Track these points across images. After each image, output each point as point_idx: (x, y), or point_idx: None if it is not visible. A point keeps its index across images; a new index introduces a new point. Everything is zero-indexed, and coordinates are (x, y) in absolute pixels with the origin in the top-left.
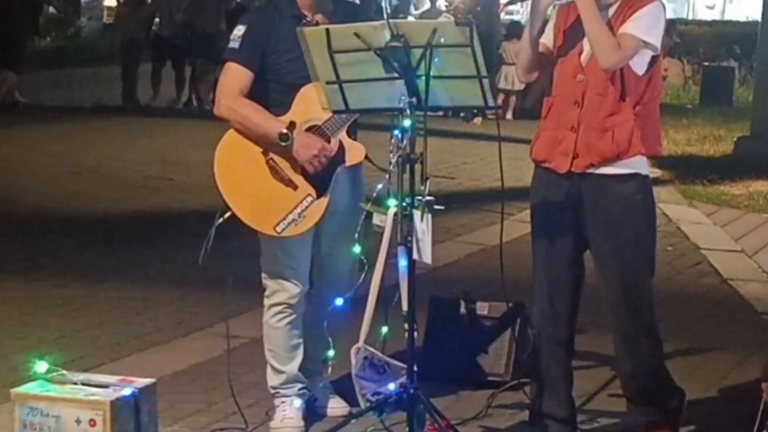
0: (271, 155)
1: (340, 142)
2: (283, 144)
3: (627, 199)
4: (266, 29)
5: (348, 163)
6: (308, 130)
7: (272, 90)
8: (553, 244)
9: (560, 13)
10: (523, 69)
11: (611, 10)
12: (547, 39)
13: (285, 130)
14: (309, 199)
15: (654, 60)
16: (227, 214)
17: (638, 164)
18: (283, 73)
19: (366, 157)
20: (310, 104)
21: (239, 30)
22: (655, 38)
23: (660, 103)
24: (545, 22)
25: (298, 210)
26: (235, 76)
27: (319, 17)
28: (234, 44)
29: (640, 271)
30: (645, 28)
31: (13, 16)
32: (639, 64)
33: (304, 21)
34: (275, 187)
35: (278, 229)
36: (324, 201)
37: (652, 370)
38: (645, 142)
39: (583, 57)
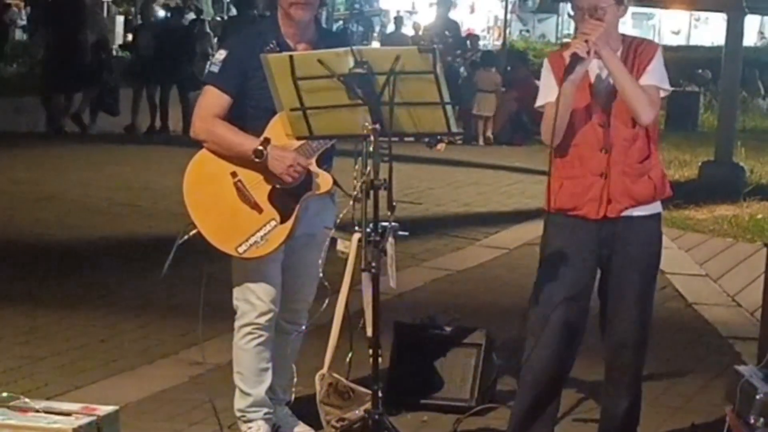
0: (239, 177)
1: (309, 171)
2: (258, 160)
3: (656, 238)
4: (247, 55)
5: (315, 192)
6: None
7: (250, 115)
8: (570, 288)
9: (554, 63)
10: (559, 132)
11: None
12: (554, 95)
13: (260, 147)
14: (272, 223)
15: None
16: (193, 231)
17: (659, 204)
18: (261, 99)
19: (335, 183)
20: (282, 131)
21: (221, 54)
22: (667, 82)
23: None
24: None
25: (261, 233)
26: (212, 100)
27: (301, 46)
28: (214, 68)
29: (652, 306)
30: (660, 77)
31: None
32: None
33: (269, 48)
34: (240, 208)
35: (240, 249)
36: (288, 226)
37: (638, 405)
38: (667, 182)
39: (603, 103)
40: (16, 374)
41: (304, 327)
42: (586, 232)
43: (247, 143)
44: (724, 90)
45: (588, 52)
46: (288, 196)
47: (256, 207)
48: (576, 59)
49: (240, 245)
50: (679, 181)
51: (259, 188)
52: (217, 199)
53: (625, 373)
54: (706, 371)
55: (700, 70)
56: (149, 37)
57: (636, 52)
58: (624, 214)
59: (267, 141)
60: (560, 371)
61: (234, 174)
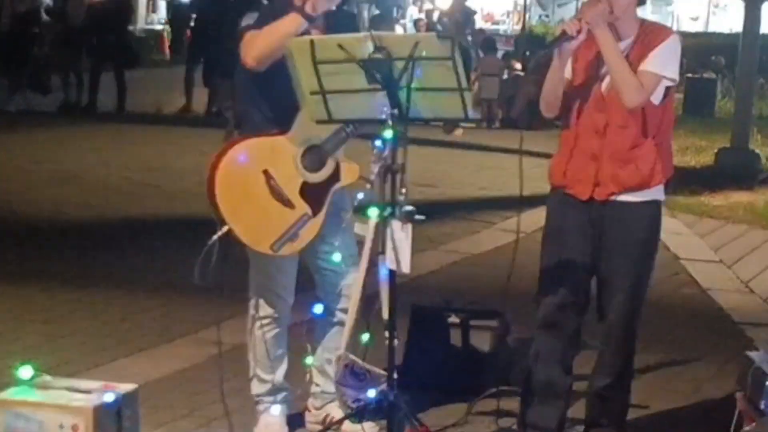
0: (272, 175)
1: (336, 162)
2: (311, 21)
3: (648, 224)
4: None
5: (343, 183)
6: (307, 150)
7: (274, 105)
8: (567, 265)
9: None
10: (549, 106)
11: (627, 43)
12: (567, 72)
13: (304, 12)
14: (305, 218)
15: (668, 89)
16: (223, 230)
17: (657, 191)
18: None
19: (361, 177)
20: (309, 124)
21: (250, 17)
22: (672, 71)
23: (672, 126)
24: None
25: (295, 229)
26: (250, 39)
27: (313, 30)
28: (248, 20)
29: (645, 291)
30: (662, 64)
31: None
32: (655, 95)
33: None
34: (273, 206)
35: (275, 247)
36: (319, 219)
37: (626, 386)
38: (664, 170)
39: (603, 89)
40: (36, 352)
41: (321, 307)
42: (577, 211)
43: (289, 17)
44: (741, 76)
45: (578, 31)
46: (318, 188)
47: (288, 203)
48: (564, 37)
49: (275, 243)
50: (695, 168)
51: (291, 183)
52: (250, 199)
53: (612, 353)
54: (719, 357)
55: (713, 57)
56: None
57: (648, 36)
58: (613, 198)
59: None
60: (560, 348)
61: (266, 172)
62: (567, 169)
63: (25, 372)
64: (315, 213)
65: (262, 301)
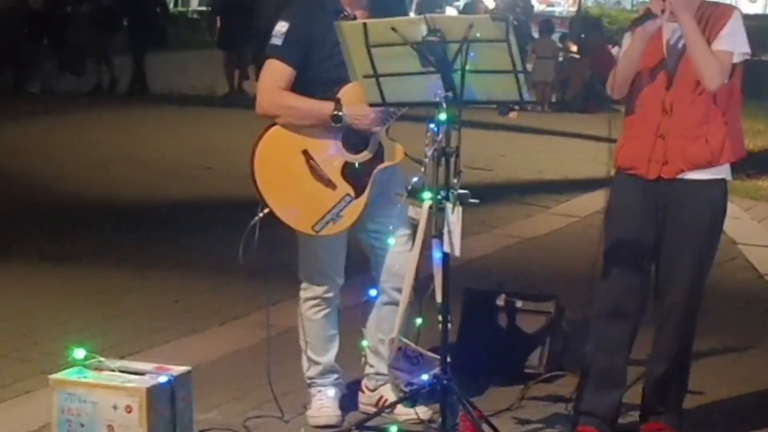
0: (311, 155)
1: (379, 143)
2: (337, 125)
3: (715, 204)
4: (308, 25)
5: (386, 163)
6: (348, 130)
7: (313, 86)
8: (630, 247)
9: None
10: (620, 87)
11: None
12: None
13: (336, 112)
14: (347, 198)
15: (734, 66)
16: (265, 211)
17: (725, 170)
18: (323, 69)
19: (405, 155)
20: (352, 99)
21: (282, 26)
22: (744, 44)
23: (740, 106)
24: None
25: (336, 210)
26: (276, 73)
27: (359, 12)
28: (276, 41)
29: (707, 275)
30: (733, 41)
31: None
32: None
33: (343, 15)
34: (314, 186)
35: (316, 228)
36: (362, 200)
37: (684, 374)
38: (734, 149)
39: (670, 69)
40: (90, 333)
41: (375, 291)
42: (643, 192)
43: (322, 108)
44: None
45: (662, 11)
46: (361, 169)
47: (330, 184)
48: (648, 14)
49: (316, 224)
50: (753, 151)
51: (332, 164)
52: (291, 180)
53: (670, 338)
54: None
55: None
56: None
57: (711, 16)
58: (680, 176)
59: (339, 102)
60: (621, 331)
61: (305, 152)
62: (634, 151)
63: (79, 353)
64: (357, 194)
65: (311, 282)
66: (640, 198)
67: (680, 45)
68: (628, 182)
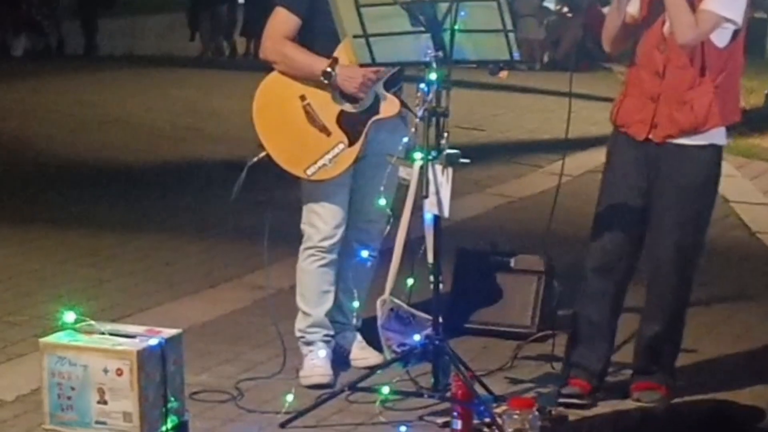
0: (308, 100)
1: (375, 94)
2: (326, 81)
3: (705, 168)
4: None
5: (381, 115)
6: None
7: (319, 37)
8: (622, 202)
9: None
10: (610, 40)
11: None
12: (634, 8)
13: (328, 68)
14: (341, 146)
15: (736, 33)
16: (262, 154)
17: (716, 135)
18: (330, 20)
19: (403, 105)
20: (348, 54)
21: None
22: (735, 13)
23: (742, 71)
24: None
25: (330, 155)
26: (282, 21)
27: None
28: None
29: (700, 238)
30: (722, 4)
31: None
32: (720, 38)
33: None
34: (309, 131)
35: (308, 171)
36: (355, 149)
37: (676, 334)
38: (723, 114)
39: (665, 29)
40: (81, 296)
41: (376, 253)
42: (635, 150)
43: (317, 64)
44: None
45: None
46: (356, 119)
47: (324, 130)
48: None
49: (309, 167)
50: (745, 109)
51: (328, 111)
52: (286, 123)
53: (661, 297)
54: (767, 300)
55: None
56: None
57: None
58: (671, 141)
59: (335, 61)
60: (611, 286)
61: (303, 97)
62: (628, 110)
63: (70, 316)
64: (351, 143)
65: (308, 231)
66: (633, 156)
67: None
68: (622, 140)
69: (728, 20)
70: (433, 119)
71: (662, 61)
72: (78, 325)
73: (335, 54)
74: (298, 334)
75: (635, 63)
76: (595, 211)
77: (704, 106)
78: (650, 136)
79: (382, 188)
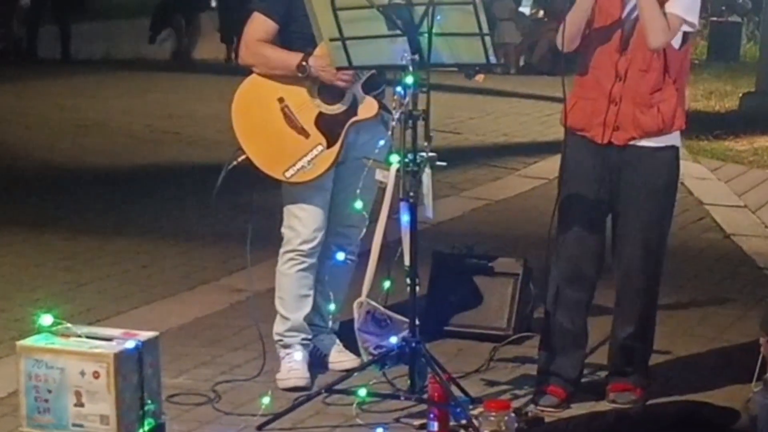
0: (286, 102)
1: (354, 96)
2: (302, 75)
3: (667, 169)
4: None
5: (359, 117)
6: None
7: (295, 42)
8: (584, 208)
9: None
10: (570, 39)
11: None
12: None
13: (302, 62)
14: (319, 147)
15: (687, 34)
16: (241, 157)
17: (675, 137)
18: (307, 25)
19: (382, 107)
20: (320, 56)
21: None
22: (695, 16)
23: (689, 73)
24: None
25: (308, 157)
26: (258, 26)
27: None
28: None
29: (665, 239)
30: (688, 7)
31: None
32: (675, 39)
33: None
34: (288, 133)
35: (287, 174)
36: (334, 151)
37: (648, 334)
38: (683, 116)
39: (626, 31)
40: (58, 299)
41: (354, 257)
42: (594, 155)
43: (291, 59)
44: (767, 20)
45: None
46: (334, 121)
47: (303, 132)
48: None
49: (287, 170)
50: (720, 112)
51: (306, 113)
52: (265, 125)
53: (631, 300)
54: (742, 302)
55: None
56: None
57: None
58: (632, 143)
59: (309, 54)
60: (580, 293)
61: (281, 99)
62: (585, 112)
63: (47, 319)
64: (330, 145)
65: (287, 234)
66: (592, 160)
67: (635, 10)
68: (579, 144)
69: (689, 23)
70: (410, 122)
71: (623, 64)
72: (55, 328)
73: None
74: (276, 337)
75: (591, 64)
76: (557, 220)
77: (671, 110)
78: (612, 140)
79: (358, 191)
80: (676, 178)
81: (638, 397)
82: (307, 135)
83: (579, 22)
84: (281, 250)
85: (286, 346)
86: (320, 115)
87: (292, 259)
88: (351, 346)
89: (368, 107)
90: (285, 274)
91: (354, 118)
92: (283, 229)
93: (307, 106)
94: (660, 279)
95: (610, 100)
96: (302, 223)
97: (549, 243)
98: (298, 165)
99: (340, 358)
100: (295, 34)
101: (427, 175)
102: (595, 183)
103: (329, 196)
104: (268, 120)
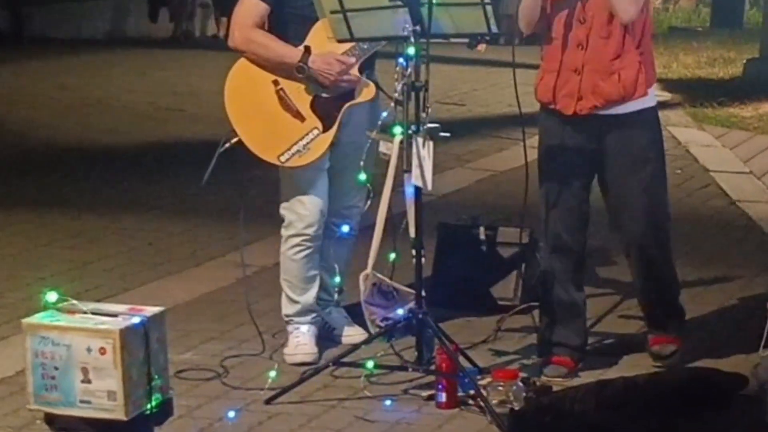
0: (282, 85)
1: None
2: (301, 76)
3: (648, 131)
4: None
5: (357, 100)
6: None
7: (290, 23)
8: (566, 181)
9: None
10: (527, 21)
11: None
12: None
13: (301, 63)
14: (315, 131)
15: None
16: (234, 140)
17: (648, 100)
18: (299, 6)
19: (378, 88)
20: (324, 39)
21: None
22: None
23: (651, 33)
24: None
25: (304, 141)
26: (250, 8)
27: None
28: None
29: (663, 199)
30: None
31: None
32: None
33: None
34: (283, 116)
35: (282, 158)
36: (330, 134)
37: (674, 296)
38: (648, 80)
39: (584, 1)
40: (64, 277)
41: (355, 231)
42: (566, 127)
43: (289, 56)
44: None
45: None
46: (330, 104)
47: (298, 115)
48: None
49: (282, 154)
50: (724, 79)
51: (301, 96)
52: (259, 108)
53: (648, 266)
54: (749, 269)
55: None
56: None
57: None
58: (596, 112)
59: (307, 51)
60: (571, 264)
61: (276, 82)
62: (550, 85)
63: (52, 296)
64: (326, 128)
65: (289, 217)
66: (565, 133)
67: None
68: (551, 118)
69: None
70: (413, 93)
71: (584, 33)
72: (60, 305)
73: (307, 41)
74: (285, 319)
75: (554, 36)
76: (540, 194)
77: (631, 77)
78: (576, 110)
79: (361, 163)
80: (660, 137)
81: (678, 348)
82: (302, 119)
83: (533, 7)
84: (284, 233)
85: (296, 325)
86: (316, 98)
87: (297, 245)
88: (357, 319)
89: (366, 90)
90: (291, 259)
91: (351, 102)
92: (282, 210)
93: (303, 89)
94: (670, 236)
95: (572, 69)
96: (305, 207)
97: (523, 216)
98: (294, 149)
99: (350, 332)
100: (287, 15)
101: (427, 147)
102: (573, 156)
103: (327, 176)
104: (262, 103)
